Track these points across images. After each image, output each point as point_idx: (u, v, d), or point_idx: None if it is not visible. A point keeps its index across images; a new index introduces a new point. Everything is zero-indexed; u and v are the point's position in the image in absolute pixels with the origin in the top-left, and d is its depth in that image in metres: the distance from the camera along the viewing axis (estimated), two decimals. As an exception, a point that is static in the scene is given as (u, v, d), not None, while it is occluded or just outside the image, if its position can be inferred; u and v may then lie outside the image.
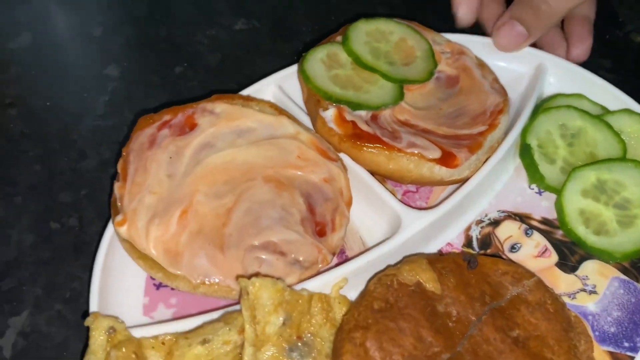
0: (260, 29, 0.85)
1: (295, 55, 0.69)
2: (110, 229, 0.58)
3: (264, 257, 0.56)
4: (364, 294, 0.54)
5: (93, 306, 0.54)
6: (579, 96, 0.69)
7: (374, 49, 0.68)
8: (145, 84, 0.79)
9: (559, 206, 0.62)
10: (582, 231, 0.60)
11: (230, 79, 0.78)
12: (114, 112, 0.76)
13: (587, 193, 0.61)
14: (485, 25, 0.75)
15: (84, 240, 0.64)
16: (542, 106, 0.68)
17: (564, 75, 0.71)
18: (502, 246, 0.63)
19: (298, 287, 0.54)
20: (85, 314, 0.52)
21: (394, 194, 0.65)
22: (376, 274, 0.56)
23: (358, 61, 0.67)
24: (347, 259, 0.61)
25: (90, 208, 0.67)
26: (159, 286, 0.59)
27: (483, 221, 0.64)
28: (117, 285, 0.57)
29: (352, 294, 0.56)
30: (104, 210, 0.64)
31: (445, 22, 0.67)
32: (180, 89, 0.79)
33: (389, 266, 0.56)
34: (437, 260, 0.56)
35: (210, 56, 0.82)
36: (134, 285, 0.59)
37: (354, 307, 0.53)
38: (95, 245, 0.58)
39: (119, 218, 0.56)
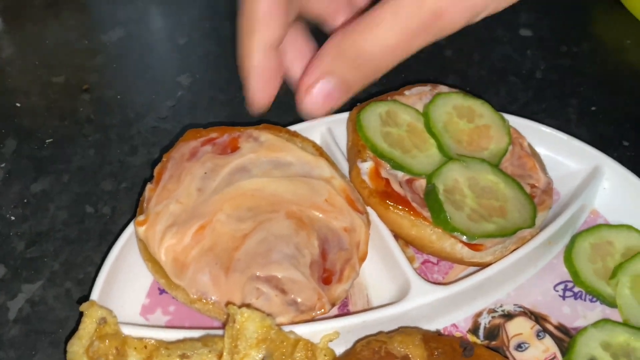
0: (331, 71, 0.87)
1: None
2: (132, 226, 0.61)
3: (264, 289, 0.56)
4: (348, 353, 0.53)
5: (94, 294, 0.56)
6: (628, 227, 0.66)
7: (452, 122, 0.67)
8: (210, 98, 0.83)
9: (572, 342, 0.58)
10: None
11: (289, 113, 0.80)
12: (175, 117, 0.80)
13: (609, 348, 0.57)
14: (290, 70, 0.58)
15: (111, 230, 0.67)
16: (578, 234, 0.66)
17: (621, 184, 0.68)
18: (508, 342, 0.60)
19: (287, 328, 0.54)
20: (85, 299, 0.55)
21: (412, 260, 0.65)
22: (367, 336, 0.55)
23: (427, 124, 0.66)
24: (347, 313, 0.60)
25: (125, 201, 0.70)
26: (162, 291, 0.61)
27: (496, 311, 0.62)
28: (124, 280, 0.59)
29: (340, 349, 0.56)
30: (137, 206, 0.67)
31: (514, 101, 0.65)
32: (241, 110, 0.81)
33: (382, 332, 0.55)
34: (433, 339, 0.55)
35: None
36: (139, 284, 0.61)
37: (335, 363, 0.52)
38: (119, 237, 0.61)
39: (140, 218, 0.59)
